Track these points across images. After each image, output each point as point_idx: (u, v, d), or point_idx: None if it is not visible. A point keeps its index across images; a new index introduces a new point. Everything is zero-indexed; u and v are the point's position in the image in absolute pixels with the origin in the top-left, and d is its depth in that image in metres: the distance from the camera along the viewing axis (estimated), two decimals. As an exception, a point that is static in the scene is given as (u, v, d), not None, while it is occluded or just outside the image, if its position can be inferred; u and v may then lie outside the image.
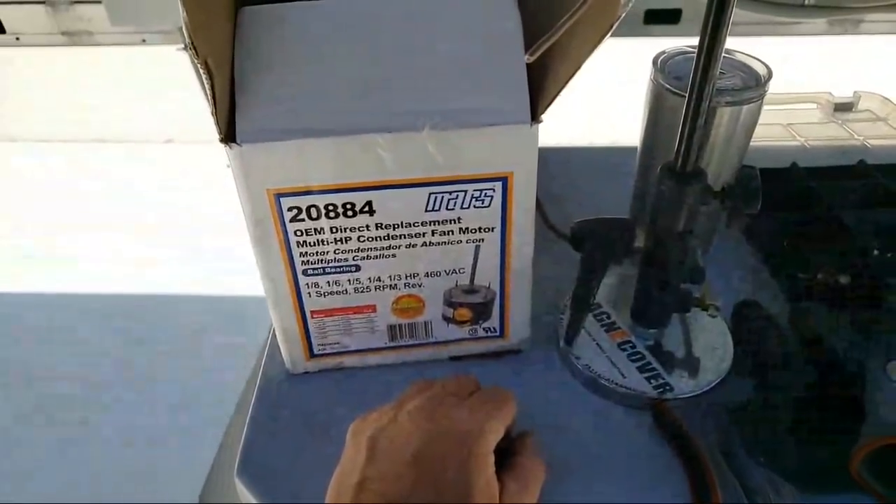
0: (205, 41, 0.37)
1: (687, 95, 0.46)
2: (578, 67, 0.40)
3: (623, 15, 0.37)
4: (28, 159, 2.65)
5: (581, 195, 0.78)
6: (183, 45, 0.36)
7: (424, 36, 0.46)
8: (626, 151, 0.70)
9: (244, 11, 0.46)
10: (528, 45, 0.41)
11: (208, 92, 0.38)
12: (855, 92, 0.94)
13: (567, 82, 0.41)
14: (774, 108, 0.89)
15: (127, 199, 2.40)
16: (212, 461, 0.70)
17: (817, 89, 0.94)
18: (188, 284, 2.00)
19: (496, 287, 0.53)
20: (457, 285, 0.52)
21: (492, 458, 0.40)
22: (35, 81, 2.85)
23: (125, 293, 1.99)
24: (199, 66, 0.36)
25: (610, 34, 0.38)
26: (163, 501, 1.37)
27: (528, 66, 0.44)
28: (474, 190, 0.47)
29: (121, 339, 1.85)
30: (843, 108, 0.93)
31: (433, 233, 0.49)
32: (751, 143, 0.60)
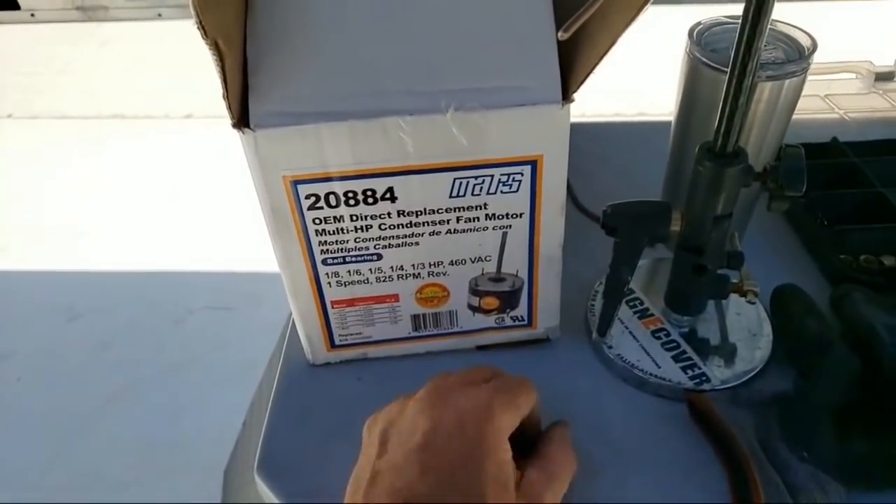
0: (214, 20, 0.35)
1: (728, 71, 0.43)
2: (613, 43, 0.37)
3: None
4: (47, 135, 2.65)
5: (611, 172, 0.75)
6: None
7: (448, 14, 0.43)
8: (658, 125, 0.67)
9: None
10: (561, 21, 0.38)
11: (219, 74, 0.36)
12: (896, 61, 0.90)
13: (601, 60, 0.38)
14: (812, 78, 0.85)
15: (146, 175, 2.40)
16: (230, 452, 0.69)
17: (856, 58, 0.90)
18: (207, 261, 2.00)
19: (524, 275, 0.51)
20: (483, 273, 0.50)
21: (505, 442, 0.38)
22: (51, 58, 2.85)
23: (142, 270, 1.99)
24: (208, 46, 0.34)
25: (648, 6, 0.36)
26: (175, 502, 1.37)
27: (559, 42, 0.41)
28: (501, 174, 0.44)
29: (140, 316, 1.85)
30: (885, 77, 0.89)
31: (458, 219, 0.46)
32: (789, 117, 0.57)
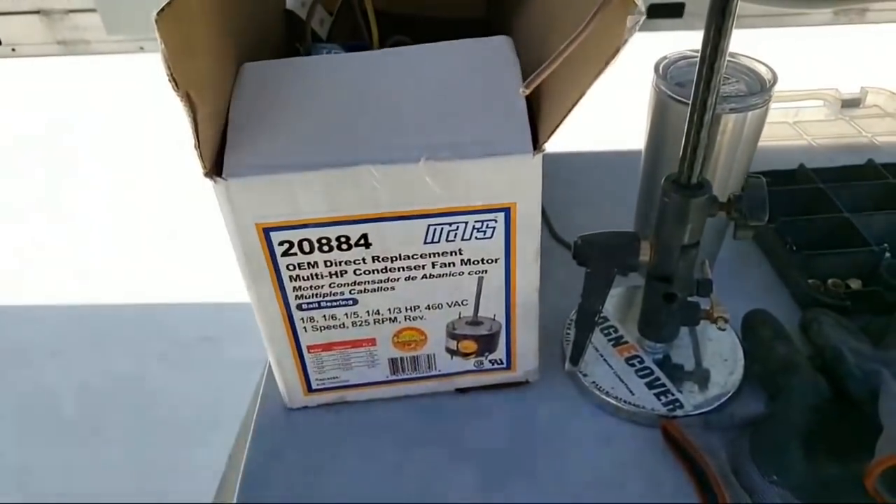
0: (185, 73, 0.36)
1: (690, 105, 0.45)
2: (583, 94, 0.38)
3: (629, 39, 0.35)
4: (24, 161, 2.65)
5: (585, 200, 0.76)
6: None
7: (423, 77, 0.46)
8: (630, 154, 0.68)
9: (244, 67, 0.47)
10: (528, 73, 0.40)
11: (190, 124, 0.37)
12: (862, 87, 0.92)
13: (571, 109, 0.39)
14: (780, 105, 0.87)
15: (133, 207, 2.40)
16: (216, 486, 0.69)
17: (823, 84, 0.92)
18: (197, 293, 1.99)
19: (501, 319, 0.51)
20: (460, 317, 0.51)
21: None
22: (34, 92, 2.84)
23: (131, 303, 1.98)
24: (180, 98, 0.35)
25: (615, 61, 0.37)
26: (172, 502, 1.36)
27: (530, 94, 0.42)
28: (476, 221, 0.45)
29: (125, 349, 1.84)
30: (851, 104, 0.91)
31: (433, 265, 0.47)
32: (758, 143, 0.59)
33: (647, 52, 0.60)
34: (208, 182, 0.41)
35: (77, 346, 1.86)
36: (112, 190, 2.49)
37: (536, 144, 0.42)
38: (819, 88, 0.92)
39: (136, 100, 2.71)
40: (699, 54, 0.43)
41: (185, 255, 2.15)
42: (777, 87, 0.55)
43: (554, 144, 0.44)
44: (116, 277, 2.09)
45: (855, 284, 0.63)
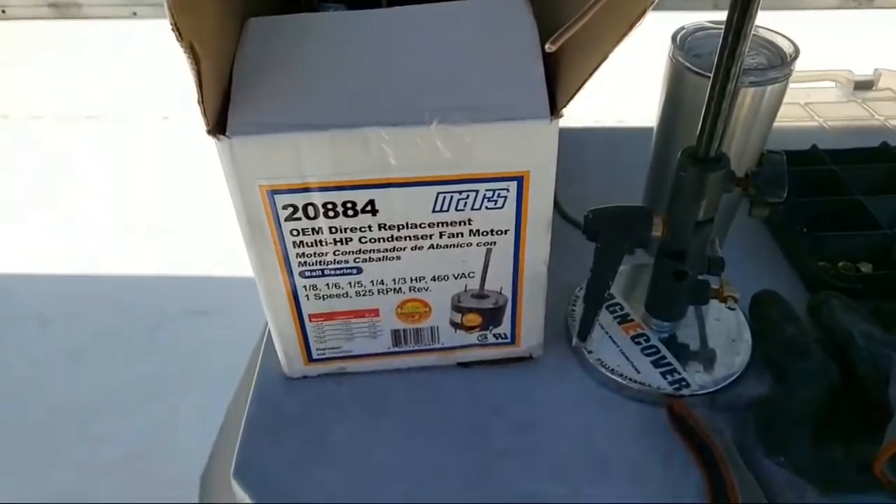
0: (190, 23, 0.34)
1: (711, 76, 0.43)
2: (604, 59, 0.36)
3: (657, 1, 0.34)
4: (20, 137, 2.60)
5: (594, 177, 0.75)
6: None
7: (434, 38, 0.44)
8: (640, 131, 0.67)
9: (250, 22, 0.45)
10: (547, 37, 0.38)
11: (194, 77, 0.35)
12: (875, 69, 0.91)
13: (591, 75, 0.37)
14: (793, 86, 0.85)
15: (123, 176, 2.36)
16: (209, 453, 0.68)
17: (836, 66, 0.91)
18: (185, 265, 1.97)
19: (508, 292, 0.50)
20: (466, 290, 0.49)
21: None
22: (24, 56, 2.79)
23: (118, 275, 1.96)
24: (183, 48, 0.33)
25: (641, 23, 0.35)
26: (163, 502, 1.34)
27: (548, 57, 0.40)
28: (487, 190, 0.43)
29: (117, 322, 1.82)
30: (864, 86, 0.90)
31: (441, 235, 0.45)
32: (768, 125, 0.57)
33: (656, 29, 0.58)
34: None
35: (66, 315, 1.84)
36: (104, 158, 2.45)
37: (554, 110, 0.40)
38: (832, 70, 0.90)
39: (130, 66, 2.67)
40: (725, 20, 0.41)
41: (180, 226, 2.12)
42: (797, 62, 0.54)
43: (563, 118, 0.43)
44: (108, 249, 2.06)
45: (865, 268, 0.62)
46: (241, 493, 0.47)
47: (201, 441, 0.72)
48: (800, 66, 0.55)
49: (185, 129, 2.40)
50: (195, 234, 2.03)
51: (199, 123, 0.38)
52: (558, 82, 0.41)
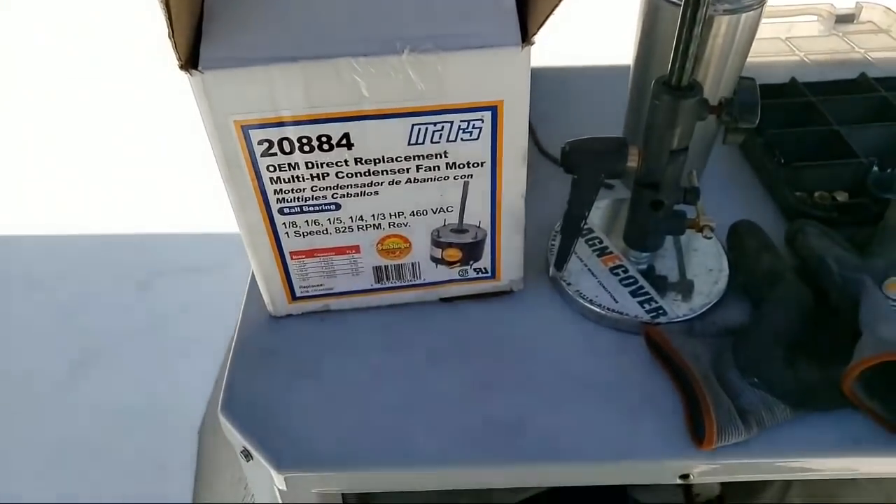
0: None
1: (682, 2, 0.43)
2: None
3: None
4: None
5: (572, 116, 0.75)
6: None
7: None
8: (618, 69, 0.67)
9: None
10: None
11: (163, 10, 0.35)
12: (857, 3, 0.90)
13: (561, 1, 0.37)
14: (773, 21, 0.85)
15: (104, 131, 2.34)
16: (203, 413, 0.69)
17: (817, 0, 0.90)
18: (173, 223, 1.96)
19: (487, 226, 0.51)
20: (445, 224, 0.50)
21: None
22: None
23: (105, 233, 1.95)
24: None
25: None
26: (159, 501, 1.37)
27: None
28: (461, 120, 0.44)
29: (116, 278, 1.82)
30: (845, 19, 0.89)
31: (418, 168, 0.46)
32: (748, 59, 0.57)
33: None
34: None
35: (57, 274, 1.84)
36: (89, 113, 2.42)
37: (525, 37, 0.40)
38: (813, 3, 0.89)
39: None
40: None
41: (166, 181, 2.11)
42: (769, 2, 0.54)
43: (536, 58, 0.43)
44: (96, 204, 2.05)
45: (842, 197, 0.63)
46: (229, 428, 0.48)
47: (197, 394, 0.73)
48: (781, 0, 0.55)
49: (172, 79, 2.36)
50: (178, 190, 2.02)
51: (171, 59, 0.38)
52: (529, 10, 0.41)
